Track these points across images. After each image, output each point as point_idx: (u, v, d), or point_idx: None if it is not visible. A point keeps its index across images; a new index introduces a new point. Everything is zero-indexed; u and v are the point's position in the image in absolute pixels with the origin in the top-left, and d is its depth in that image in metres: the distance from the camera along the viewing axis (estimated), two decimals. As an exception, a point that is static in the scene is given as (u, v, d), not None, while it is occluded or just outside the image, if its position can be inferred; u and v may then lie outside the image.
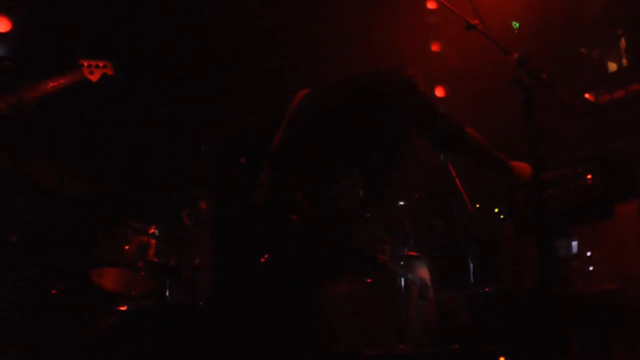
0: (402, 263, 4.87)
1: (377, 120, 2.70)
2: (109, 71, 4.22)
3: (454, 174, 5.02)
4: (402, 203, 5.03)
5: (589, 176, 3.71)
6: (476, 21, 2.99)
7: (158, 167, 5.06)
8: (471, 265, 4.97)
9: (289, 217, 2.53)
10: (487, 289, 4.70)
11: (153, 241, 4.19)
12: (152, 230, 4.21)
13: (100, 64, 4.20)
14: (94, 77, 4.15)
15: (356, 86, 2.76)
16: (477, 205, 5.43)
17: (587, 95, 5.72)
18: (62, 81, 4.02)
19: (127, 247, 4.09)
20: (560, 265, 3.84)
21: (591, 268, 3.59)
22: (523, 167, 3.07)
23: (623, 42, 6.14)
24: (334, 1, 5.84)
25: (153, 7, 5.18)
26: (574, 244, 3.75)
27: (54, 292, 3.90)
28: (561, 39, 5.74)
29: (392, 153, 2.85)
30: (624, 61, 6.13)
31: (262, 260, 2.52)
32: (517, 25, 6.12)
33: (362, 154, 2.73)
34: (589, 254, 3.62)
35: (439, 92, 7.14)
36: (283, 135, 2.70)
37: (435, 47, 7.25)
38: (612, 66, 6.27)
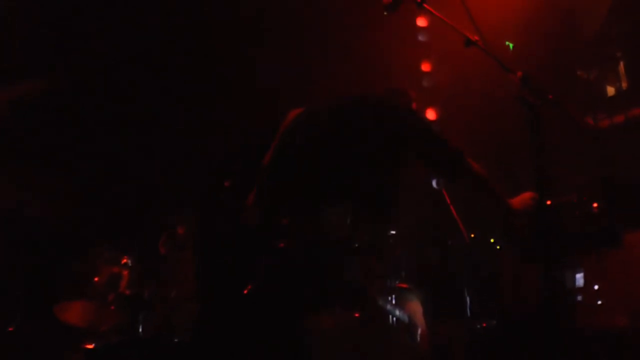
0: (392, 296, 4.79)
1: (371, 142, 2.72)
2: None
3: (448, 200, 4.99)
4: (393, 232, 4.96)
5: (595, 205, 3.69)
6: (476, 37, 2.97)
7: (133, 189, 4.96)
8: (467, 298, 4.91)
9: (277, 243, 2.56)
10: (484, 324, 4.65)
11: (125, 272, 4.14)
12: (125, 260, 4.16)
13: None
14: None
15: (353, 106, 2.79)
16: (472, 235, 5.40)
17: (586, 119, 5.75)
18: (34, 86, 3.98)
19: (96, 279, 4.04)
20: (565, 298, 3.80)
21: (599, 302, 3.54)
22: (524, 199, 3.04)
23: (622, 65, 6.21)
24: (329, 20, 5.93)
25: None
26: (580, 275, 3.72)
27: (11, 329, 3.79)
28: (557, 60, 5.78)
29: (385, 177, 2.87)
30: (623, 84, 6.19)
31: (246, 291, 2.55)
32: (512, 46, 6.16)
33: (354, 177, 2.73)
34: (596, 287, 3.58)
35: (432, 113, 7.18)
36: (273, 155, 2.72)
37: (427, 66, 7.30)
38: (611, 90, 6.33)
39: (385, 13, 3.10)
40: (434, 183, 5.47)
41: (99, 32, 5.00)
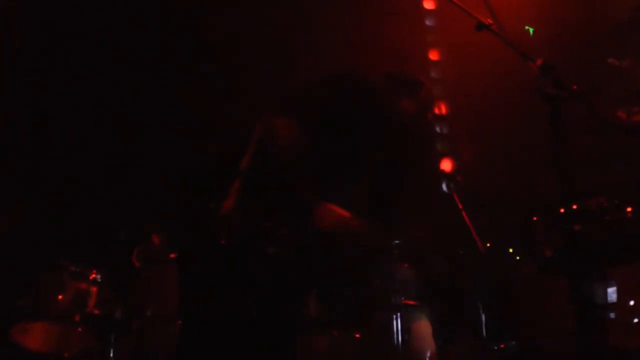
0: (398, 314, 4.78)
1: (356, 136, 2.77)
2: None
3: (460, 206, 4.97)
4: (397, 241, 4.96)
5: (629, 209, 3.65)
6: (489, 21, 2.94)
7: (101, 197, 4.98)
8: (483, 316, 4.89)
9: (265, 250, 2.60)
10: (501, 345, 4.63)
11: (94, 288, 4.13)
12: (93, 275, 4.15)
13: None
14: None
15: (338, 84, 2.84)
16: (488, 244, 5.38)
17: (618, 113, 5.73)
18: None
19: (60, 297, 4.00)
20: (596, 316, 3.77)
21: (635, 320, 3.52)
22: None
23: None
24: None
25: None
26: (612, 290, 3.69)
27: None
28: (585, 47, 5.77)
29: (379, 178, 2.91)
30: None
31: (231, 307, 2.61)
32: (532, 30, 6.15)
33: (340, 178, 2.75)
34: (632, 303, 3.55)
35: (442, 107, 7.17)
36: (251, 160, 2.75)
37: (435, 54, 7.30)
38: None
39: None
40: (443, 186, 5.47)
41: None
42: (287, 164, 2.73)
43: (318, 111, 2.82)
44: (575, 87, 2.73)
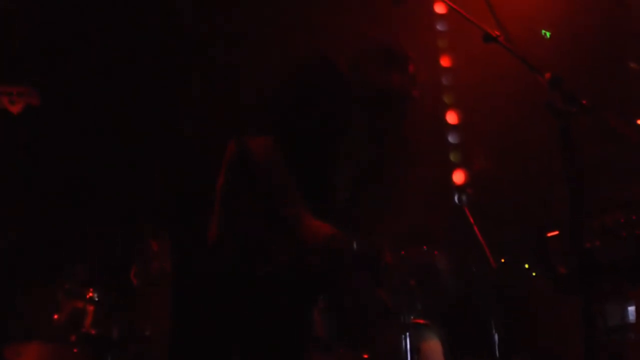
0: (407, 333, 4.79)
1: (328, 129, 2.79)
2: (34, 101, 4.19)
3: (471, 220, 4.99)
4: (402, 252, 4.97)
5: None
6: (497, 32, 2.96)
7: (98, 207, 4.98)
8: (495, 335, 4.89)
9: (257, 272, 2.61)
10: (515, 366, 4.60)
11: (90, 307, 4.12)
12: (90, 294, 4.14)
13: (24, 91, 4.17)
14: (15, 109, 4.12)
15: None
16: (502, 260, 5.38)
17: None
18: None
19: (56, 316, 4.01)
20: (613, 337, 3.78)
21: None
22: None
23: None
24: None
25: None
26: (631, 309, 3.69)
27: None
28: (604, 51, 5.76)
29: (376, 185, 2.93)
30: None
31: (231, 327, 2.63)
32: (549, 34, 6.17)
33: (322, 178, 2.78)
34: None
35: (453, 116, 7.19)
36: (227, 184, 2.78)
37: (447, 60, 7.31)
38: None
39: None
40: (455, 198, 5.48)
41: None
42: (266, 185, 2.74)
43: (291, 118, 2.83)
44: (584, 101, 2.74)
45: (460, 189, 5.29)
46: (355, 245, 2.83)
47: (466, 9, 3.09)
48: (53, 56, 5.30)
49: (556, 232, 4.10)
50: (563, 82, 2.79)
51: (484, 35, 2.97)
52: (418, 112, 3.26)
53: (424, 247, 5.21)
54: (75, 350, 4.02)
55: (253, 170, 2.74)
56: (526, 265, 5.20)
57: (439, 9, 7.11)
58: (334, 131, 2.86)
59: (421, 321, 4.96)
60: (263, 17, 5.97)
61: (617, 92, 5.53)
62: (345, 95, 2.89)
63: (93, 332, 4.09)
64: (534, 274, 4.99)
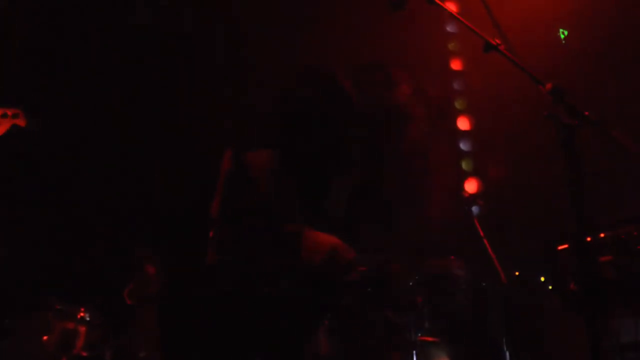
0: (414, 351, 4.80)
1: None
2: (20, 122, 4.26)
3: (481, 233, 4.99)
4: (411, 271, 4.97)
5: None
6: (497, 41, 3.00)
7: (90, 225, 5.02)
8: (507, 354, 4.89)
9: (258, 294, 2.63)
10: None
11: (82, 328, 4.13)
12: (81, 314, 4.15)
13: (9, 113, 4.23)
14: (1, 130, 4.18)
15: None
16: (517, 273, 5.39)
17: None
18: None
19: (45, 338, 4.01)
20: (625, 355, 3.78)
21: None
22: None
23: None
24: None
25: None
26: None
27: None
28: (613, 58, 5.77)
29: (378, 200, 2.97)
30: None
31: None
32: (566, 33, 6.18)
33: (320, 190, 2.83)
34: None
35: (465, 122, 7.21)
36: (221, 202, 2.81)
37: (458, 64, 7.33)
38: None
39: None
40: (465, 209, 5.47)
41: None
42: (266, 201, 2.77)
43: (289, 133, 2.87)
44: (587, 113, 2.77)
45: (469, 199, 5.26)
46: (361, 262, 2.87)
47: (472, 16, 3.14)
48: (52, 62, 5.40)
49: (566, 246, 4.11)
50: (565, 93, 2.82)
51: (484, 45, 3.01)
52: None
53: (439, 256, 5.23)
54: (66, 374, 4.04)
55: (253, 186, 2.78)
56: (542, 279, 5.21)
57: (450, 9, 7.10)
58: (331, 146, 2.89)
59: (429, 339, 4.97)
60: (268, 19, 6.05)
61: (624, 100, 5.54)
62: (343, 110, 2.93)
63: (85, 354, 4.10)
64: (550, 287, 5.00)
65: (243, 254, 2.72)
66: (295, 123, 2.86)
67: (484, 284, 5.24)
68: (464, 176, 7.10)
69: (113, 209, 5.06)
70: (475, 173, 7.14)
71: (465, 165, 7.18)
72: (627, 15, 5.71)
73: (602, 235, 3.98)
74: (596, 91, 5.18)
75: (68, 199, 5.05)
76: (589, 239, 4.09)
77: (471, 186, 7.04)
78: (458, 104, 7.29)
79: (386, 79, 3.13)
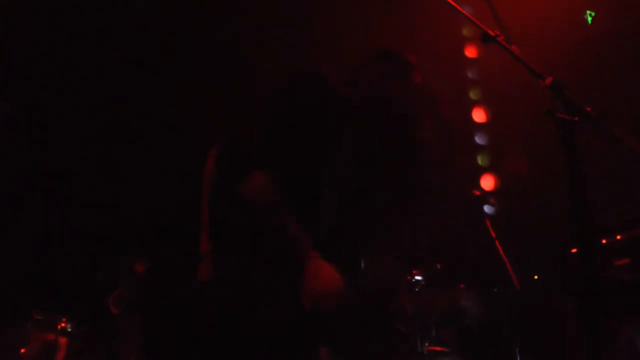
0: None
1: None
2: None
3: (493, 234, 5.00)
4: (418, 277, 5.00)
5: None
6: (497, 32, 3.02)
7: (72, 229, 5.05)
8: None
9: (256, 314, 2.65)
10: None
11: (63, 339, 4.17)
12: (62, 324, 4.19)
13: None
14: None
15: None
16: (536, 277, 5.39)
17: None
18: None
19: (22, 350, 4.05)
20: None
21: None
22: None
23: None
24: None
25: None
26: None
27: None
28: (621, 52, 5.78)
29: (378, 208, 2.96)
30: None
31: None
32: (593, 14, 6.17)
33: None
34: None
35: (481, 114, 7.20)
36: (210, 207, 2.81)
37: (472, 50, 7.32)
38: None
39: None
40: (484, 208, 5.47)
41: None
42: (269, 229, 2.75)
43: (280, 136, 2.86)
44: (588, 108, 2.79)
45: (480, 198, 5.27)
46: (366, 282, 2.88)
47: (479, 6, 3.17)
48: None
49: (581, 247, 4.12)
50: (565, 87, 2.84)
51: (482, 36, 3.03)
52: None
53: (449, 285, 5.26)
54: (46, 388, 4.08)
55: (254, 217, 2.76)
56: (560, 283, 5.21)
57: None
58: (321, 152, 2.90)
59: (438, 349, 5.00)
60: (268, 19, 6.11)
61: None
62: (335, 113, 2.93)
63: (66, 366, 4.12)
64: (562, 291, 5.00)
65: (241, 273, 2.74)
66: (282, 127, 2.86)
67: (495, 290, 5.24)
68: (479, 172, 7.08)
69: (97, 212, 5.11)
70: (491, 169, 7.12)
71: (480, 160, 7.16)
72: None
73: (618, 237, 4.00)
74: (597, 90, 5.19)
75: (48, 201, 5.10)
76: (604, 241, 4.14)
77: (487, 183, 7.02)
78: (473, 94, 7.27)
79: (398, 68, 3.12)
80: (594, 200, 2.99)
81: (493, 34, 3.01)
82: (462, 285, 5.28)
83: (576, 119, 2.77)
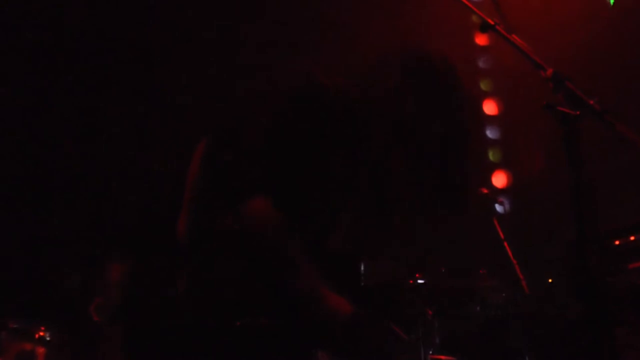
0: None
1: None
2: None
3: (501, 235, 5.01)
4: (421, 281, 5.01)
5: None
6: (495, 20, 3.03)
7: (50, 232, 5.07)
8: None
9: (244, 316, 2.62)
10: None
11: (41, 350, 4.17)
12: (41, 334, 4.19)
13: None
14: None
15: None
16: (550, 281, 5.38)
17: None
18: None
19: None
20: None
21: None
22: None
23: None
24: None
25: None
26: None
27: None
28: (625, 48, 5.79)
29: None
30: None
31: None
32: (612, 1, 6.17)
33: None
34: None
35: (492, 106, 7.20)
36: (189, 216, 2.80)
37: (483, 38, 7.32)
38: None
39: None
40: (497, 207, 5.47)
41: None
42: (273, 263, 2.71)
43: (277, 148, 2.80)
44: (592, 102, 2.79)
45: (489, 197, 5.26)
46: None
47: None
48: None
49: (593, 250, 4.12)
50: (567, 79, 2.84)
51: (480, 24, 3.05)
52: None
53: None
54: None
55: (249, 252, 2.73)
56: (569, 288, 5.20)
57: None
58: (323, 169, 2.84)
59: (442, 357, 5.00)
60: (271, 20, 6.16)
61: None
62: (333, 129, 2.86)
63: (43, 378, 4.13)
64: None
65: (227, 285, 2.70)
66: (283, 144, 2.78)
67: (503, 295, 5.24)
68: (491, 168, 7.06)
69: (77, 216, 5.14)
70: (503, 165, 7.11)
71: (492, 155, 7.14)
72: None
73: (632, 238, 4.00)
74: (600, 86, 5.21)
75: (24, 207, 5.13)
76: (617, 242, 4.16)
77: (499, 180, 7.01)
78: (484, 85, 7.26)
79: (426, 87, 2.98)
80: (605, 199, 3.00)
81: (492, 22, 3.02)
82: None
83: (578, 112, 2.77)
